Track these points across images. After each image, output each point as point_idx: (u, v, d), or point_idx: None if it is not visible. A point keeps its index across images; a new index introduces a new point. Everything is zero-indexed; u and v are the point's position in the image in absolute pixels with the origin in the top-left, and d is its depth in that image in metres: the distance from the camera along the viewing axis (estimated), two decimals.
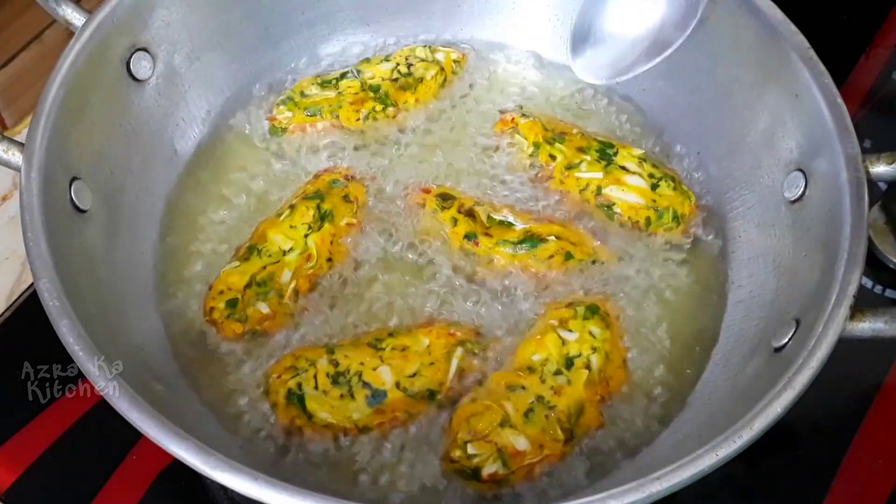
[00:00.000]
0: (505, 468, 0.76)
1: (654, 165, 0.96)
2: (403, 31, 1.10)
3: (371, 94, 1.02)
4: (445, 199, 0.94)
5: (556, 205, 0.96)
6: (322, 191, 0.93)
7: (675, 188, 0.94)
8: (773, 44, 0.87)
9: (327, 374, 0.80)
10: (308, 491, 0.60)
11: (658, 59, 0.92)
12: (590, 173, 0.95)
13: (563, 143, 0.97)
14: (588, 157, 0.96)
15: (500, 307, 0.88)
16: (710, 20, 0.94)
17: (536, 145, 0.98)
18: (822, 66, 0.83)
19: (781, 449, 0.90)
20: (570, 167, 0.96)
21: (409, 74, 1.04)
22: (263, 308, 0.85)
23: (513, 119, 1.00)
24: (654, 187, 0.94)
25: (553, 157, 0.96)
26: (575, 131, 0.99)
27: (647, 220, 0.93)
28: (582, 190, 0.95)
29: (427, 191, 0.95)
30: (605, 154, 0.96)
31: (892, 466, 0.92)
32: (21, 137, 0.78)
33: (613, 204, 0.94)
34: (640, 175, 0.94)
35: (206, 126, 1.01)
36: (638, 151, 0.96)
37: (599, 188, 0.94)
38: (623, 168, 0.95)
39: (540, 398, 0.79)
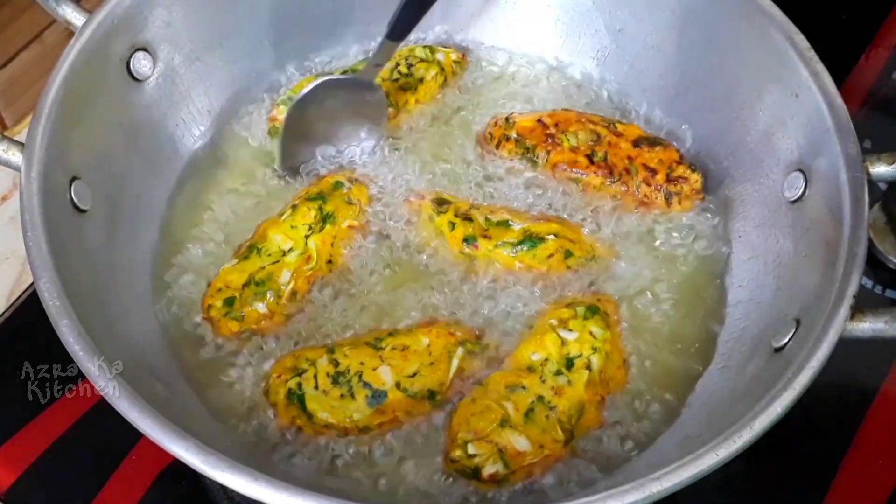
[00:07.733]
0: (505, 468, 0.76)
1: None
2: None
3: None
4: (441, 203, 0.93)
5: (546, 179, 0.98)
6: (325, 192, 0.93)
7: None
8: (773, 44, 0.87)
9: (327, 374, 0.80)
10: (308, 491, 0.60)
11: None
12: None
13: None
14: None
15: (500, 307, 0.88)
16: (710, 20, 0.94)
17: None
18: (822, 66, 0.84)
19: (781, 449, 0.90)
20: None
21: (410, 75, 1.04)
22: (261, 308, 0.85)
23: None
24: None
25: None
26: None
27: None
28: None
29: (422, 196, 0.95)
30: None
31: (892, 466, 0.92)
32: (21, 137, 0.78)
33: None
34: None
35: (206, 126, 1.01)
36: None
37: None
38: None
39: (540, 398, 0.79)
